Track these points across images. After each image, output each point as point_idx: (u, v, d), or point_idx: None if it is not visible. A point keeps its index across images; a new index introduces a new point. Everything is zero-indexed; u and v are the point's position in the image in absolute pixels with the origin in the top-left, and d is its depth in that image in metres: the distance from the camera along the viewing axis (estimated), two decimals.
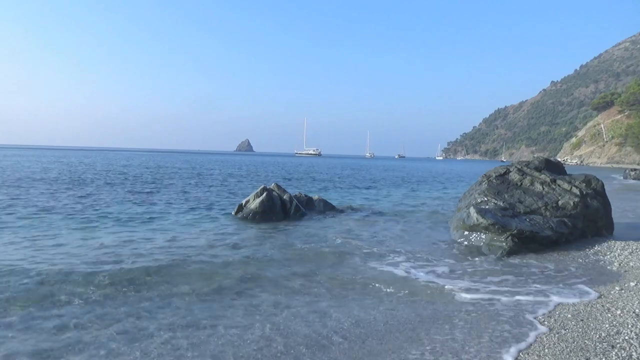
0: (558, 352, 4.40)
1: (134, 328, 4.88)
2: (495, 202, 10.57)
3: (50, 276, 6.61)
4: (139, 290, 6.22)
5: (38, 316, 5.17)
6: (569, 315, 5.46)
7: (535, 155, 17.01)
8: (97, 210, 13.84)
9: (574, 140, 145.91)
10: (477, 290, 6.54)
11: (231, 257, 8.31)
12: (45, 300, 5.70)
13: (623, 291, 6.38)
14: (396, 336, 4.88)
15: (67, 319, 5.08)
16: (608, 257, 8.60)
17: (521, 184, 11.35)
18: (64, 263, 7.44)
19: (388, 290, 6.53)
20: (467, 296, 6.27)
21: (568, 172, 12.50)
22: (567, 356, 4.30)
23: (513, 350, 4.50)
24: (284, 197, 13.51)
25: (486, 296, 6.28)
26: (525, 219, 9.77)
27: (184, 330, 4.88)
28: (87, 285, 6.26)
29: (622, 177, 42.96)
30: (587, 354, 4.31)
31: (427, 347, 4.58)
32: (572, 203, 10.42)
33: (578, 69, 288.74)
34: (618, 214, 12.95)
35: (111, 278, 6.60)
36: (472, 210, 9.91)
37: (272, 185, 13.99)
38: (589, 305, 5.86)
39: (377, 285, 6.77)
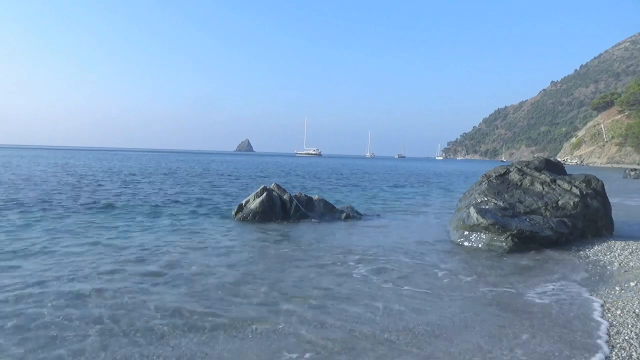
0: (558, 352, 4.40)
1: None
2: (495, 202, 10.57)
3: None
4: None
5: None
6: (570, 315, 5.46)
7: (535, 155, 17.01)
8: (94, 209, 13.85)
9: (574, 140, 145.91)
10: (476, 292, 6.54)
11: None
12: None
13: (623, 291, 6.38)
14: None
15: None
16: (608, 257, 8.60)
17: (521, 184, 11.35)
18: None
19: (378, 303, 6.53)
20: (465, 299, 6.27)
21: (568, 172, 12.50)
22: None
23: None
24: (284, 197, 13.50)
25: (485, 296, 6.28)
26: (525, 219, 9.77)
27: None
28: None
29: None
30: (587, 354, 4.31)
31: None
32: (572, 203, 10.42)
33: (578, 69, 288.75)
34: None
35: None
36: (472, 210, 9.91)
37: (272, 185, 13.98)
38: (589, 305, 5.86)
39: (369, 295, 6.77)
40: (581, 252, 9.04)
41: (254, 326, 5.00)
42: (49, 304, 5.51)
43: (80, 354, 4.26)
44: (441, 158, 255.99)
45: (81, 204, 15.05)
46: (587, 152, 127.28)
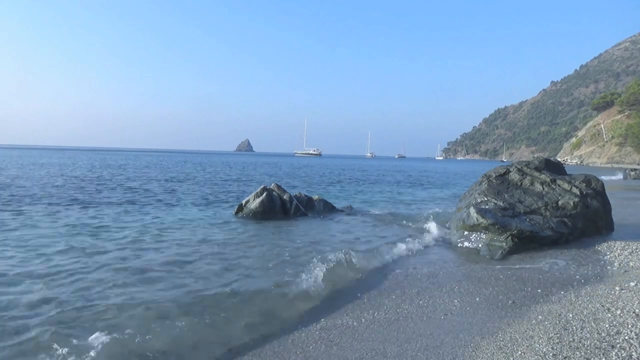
0: (558, 353, 4.39)
1: None
2: (495, 202, 10.57)
3: None
4: None
5: None
6: (570, 315, 5.46)
7: (535, 155, 17.01)
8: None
9: (574, 140, 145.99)
10: (475, 292, 6.54)
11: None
12: None
13: (623, 291, 6.37)
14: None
15: None
16: (608, 257, 8.59)
17: (521, 184, 11.34)
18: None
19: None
20: (463, 303, 6.27)
21: (568, 172, 12.49)
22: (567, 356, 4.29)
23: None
24: (284, 197, 13.52)
25: (482, 297, 6.28)
26: (525, 219, 9.77)
27: None
28: None
29: None
30: (587, 354, 4.31)
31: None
32: (572, 203, 10.41)
33: (578, 69, 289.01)
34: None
35: None
36: (472, 210, 9.91)
37: (272, 185, 14.00)
38: (589, 305, 5.86)
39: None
40: (581, 252, 9.02)
41: None
42: None
43: None
44: (441, 158, 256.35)
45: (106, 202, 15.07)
46: (587, 152, 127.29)
